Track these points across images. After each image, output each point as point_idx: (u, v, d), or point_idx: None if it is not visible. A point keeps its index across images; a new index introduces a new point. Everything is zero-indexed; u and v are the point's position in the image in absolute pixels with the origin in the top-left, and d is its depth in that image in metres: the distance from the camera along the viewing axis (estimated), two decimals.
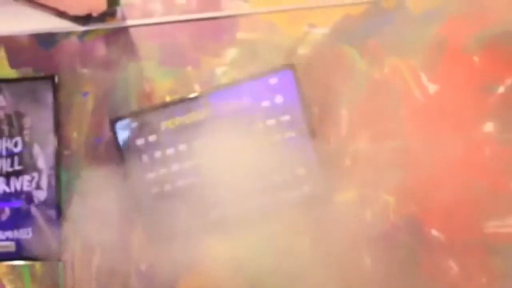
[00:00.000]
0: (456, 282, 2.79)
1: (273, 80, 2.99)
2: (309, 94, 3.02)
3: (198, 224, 3.06)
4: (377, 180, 2.90)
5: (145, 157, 3.10)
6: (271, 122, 2.98)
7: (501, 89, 2.80)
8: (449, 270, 2.79)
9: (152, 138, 3.10)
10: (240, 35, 3.14)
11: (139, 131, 3.13)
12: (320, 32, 3.01)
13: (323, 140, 2.97)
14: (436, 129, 2.84)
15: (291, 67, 2.98)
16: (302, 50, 3.04)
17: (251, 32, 3.13)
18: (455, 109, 2.84)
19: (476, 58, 2.82)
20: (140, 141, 3.12)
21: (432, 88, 2.85)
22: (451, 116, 2.84)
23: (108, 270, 3.25)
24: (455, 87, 2.84)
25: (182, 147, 3.05)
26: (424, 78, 2.87)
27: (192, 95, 3.12)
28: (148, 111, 3.16)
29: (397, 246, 2.88)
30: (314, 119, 2.99)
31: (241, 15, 3.14)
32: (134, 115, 3.17)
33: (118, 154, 3.19)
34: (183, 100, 3.12)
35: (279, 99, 2.98)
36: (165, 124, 3.10)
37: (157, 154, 3.08)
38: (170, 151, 3.06)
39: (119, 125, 3.18)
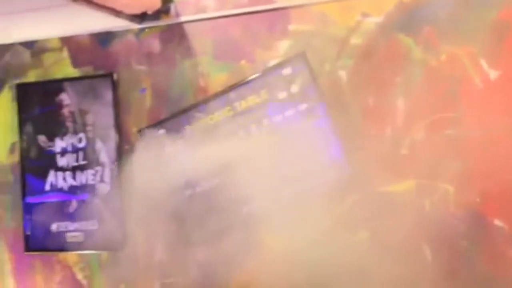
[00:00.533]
0: None
1: (287, 71, 2.99)
2: (363, 85, 2.98)
3: (235, 220, 3.09)
4: (435, 169, 2.82)
5: (174, 162, 3.13)
6: (290, 112, 2.97)
7: None
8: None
9: (179, 142, 3.15)
10: (292, 27, 3.11)
11: (166, 138, 3.18)
12: (373, 21, 2.95)
13: (379, 130, 2.92)
14: (497, 116, 2.73)
15: (302, 55, 2.96)
16: (356, 40, 2.98)
17: (303, 24, 3.10)
18: None
19: None
20: (168, 147, 3.18)
21: (493, 74, 2.73)
22: None
23: (168, 260, 3.29)
24: None
25: (208, 147, 3.06)
26: (484, 64, 2.75)
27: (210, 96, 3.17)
28: (172, 117, 3.20)
29: (458, 236, 2.80)
30: (368, 109, 2.96)
31: (293, 7, 3.11)
32: (160, 123, 3.22)
33: (148, 162, 3.24)
34: (204, 102, 3.15)
35: (294, 88, 2.97)
36: (190, 128, 3.14)
37: (186, 157, 3.10)
38: (197, 153, 3.08)
39: (147, 133, 3.24)
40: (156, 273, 3.33)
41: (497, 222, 2.72)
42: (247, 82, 3.07)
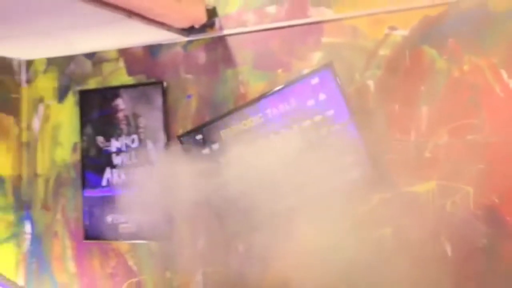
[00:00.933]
0: None
1: (315, 80, 3.09)
2: (390, 93, 3.02)
3: (271, 217, 3.15)
4: (457, 172, 2.85)
5: (211, 165, 3.24)
6: (318, 118, 3.08)
7: None
8: None
9: (215, 146, 3.27)
10: (325, 39, 3.16)
11: (203, 142, 3.30)
12: (400, 34, 2.99)
13: (404, 135, 2.97)
14: None
15: (329, 65, 3.06)
16: (383, 52, 3.03)
17: (335, 37, 3.15)
18: None
19: None
20: (205, 151, 3.30)
21: None
22: None
23: (210, 251, 3.38)
24: None
25: (242, 151, 3.14)
26: (504, 74, 2.78)
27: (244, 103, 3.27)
28: (208, 123, 3.31)
29: (477, 235, 2.82)
30: (394, 115, 3.00)
31: (326, 21, 3.16)
32: (197, 129, 3.34)
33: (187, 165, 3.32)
34: (238, 109, 3.26)
35: (322, 96, 3.07)
36: (225, 133, 3.25)
37: (221, 160, 3.22)
38: (231, 156, 3.17)
39: (185, 139, 3.36)
40: (198, 263, 3.42)
41: None
42: (278, 91, 3.17)
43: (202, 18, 3.36)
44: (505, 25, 2.78)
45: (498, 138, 2.78)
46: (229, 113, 3.27)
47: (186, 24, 3.37)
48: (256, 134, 3.21)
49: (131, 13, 2.96)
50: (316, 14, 3.17)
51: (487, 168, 2.80)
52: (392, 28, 3.01)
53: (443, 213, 2.89)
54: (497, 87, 2.80)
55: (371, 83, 3.06)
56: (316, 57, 3.17)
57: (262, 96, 3.20)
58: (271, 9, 3.29)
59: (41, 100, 3.99)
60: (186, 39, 3.48)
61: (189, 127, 3.47)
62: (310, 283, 3.01)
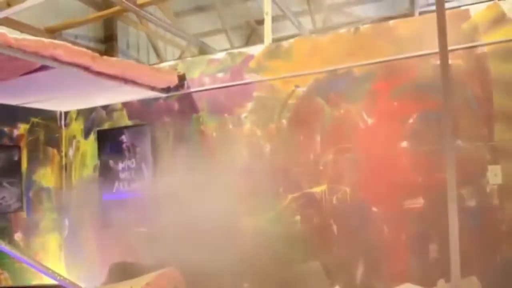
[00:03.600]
0: None
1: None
2: (296, 128, 3.16)
3: None
4: (339, 178, 3.02)
5: None
6: None
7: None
8: None
9: None
10: (255, 93, 3.36)
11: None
12: (301, 90, 3.20)
13: (306, 155, 3.12)
14: (376, 145, 2.93)
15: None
16: (291, 101, 3.23)
17: (261, 92, 3.35)
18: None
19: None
20: None
21: (369, 120, 2.98)
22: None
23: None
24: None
25: None
26: (364, 115, 3.00)
27: None
28: None
29: (353, 219, 2.96)
30: (299, 142, 3.11)
31: (255, 82, 3.36)
32: None
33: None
34: None
35: None
36: None
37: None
38: None
39: None
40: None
41: (374, 208, 2.91)
42: None
43: (175, 81, 3.56)
44: (364, 84, 3.01)
45: (363, 155, 2.98)
46: None
47: (164, 86, 3.54)
48: None
49: (126, 81, 3.21)
50: (249, 78, 3.37)
51: (357, 175, 2.99)
52: (297, 86, 3.21)
53: (331, 205, 3.06)
54: (361, 123, 3.01)
55: (284, 121, 3.24)
56: (250, 105, 3.36)
57: None
58: (220, 75, 3.49)
59: (74, 137, 4.17)
60: (165, 95, 3.64)
61: (169, 153, 3.58)
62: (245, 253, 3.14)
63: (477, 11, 2.78)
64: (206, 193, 3.25)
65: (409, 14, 5.79)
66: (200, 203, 3.29)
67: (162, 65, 3.86)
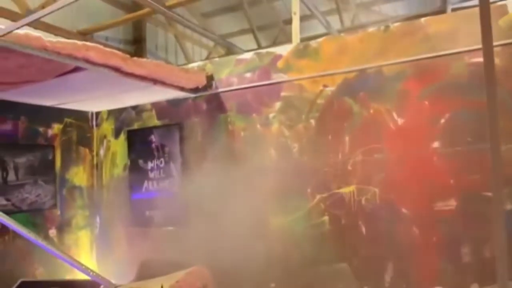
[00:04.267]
0: None
1: None
2: (325, 128, 3.15)
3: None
4: (368, 178, 2.98)
5: None
6: None
7: None
8: None
9: None
10: (283, 93, 3.35)
11: None
12: (330, 89, 3.18)
13: (335, 154, 3.10)
14: (406, 145, 2.89)
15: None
16: (320, 101, 3.21)
17: (289, 92, 3.34)
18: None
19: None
20: None
21: (400, 121, 2.92)
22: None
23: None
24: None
25: None
26: (395, 115, 2.93)
27: None
28: None
29: (382, 220, 2.91)
30: (327, 142, 3.10)
31: (283, 82, 3.35)
32: None
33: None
34: None
35: None
36: None
37: None
38: None
39: None
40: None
41: (404, 210, 2.86)
42: None
43: (203, 82, 3.59)
44: (394, 83, 2.97)
45: (393, 156, 2.94)
46: None
47: (193, 86, 3.57)
48: None
49: (156, 81, 3.25)
50: (276, 77, 3.37)
51: (386, 176, 2.95)
52: (325, 86, 3.18)
53: (360, 206, 3.02)
54: (391, 123, 2.96)
55: (313, 121, 3.22)
56: (278, 105, 3.35)
57: None
58: (248, 75, 3.49)
59: (105, 137, 4.24)
60: (194, 95, 3.68)
61: (198, 153, 3.61)
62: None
63: None
64: (234, 193, 3.27)
65: (441, 11, 5.66)
66: (228, 203, 3.32)
67: (190, 65, 3.89)
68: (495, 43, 2.56)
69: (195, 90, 3.62)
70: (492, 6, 2.70)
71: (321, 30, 6.10)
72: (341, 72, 3.13)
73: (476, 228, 2.65)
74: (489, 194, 2.60)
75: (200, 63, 3.88)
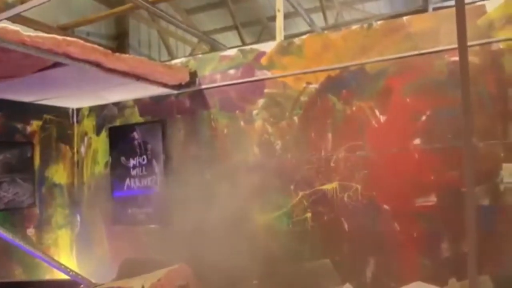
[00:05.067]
0: None
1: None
2: (308, 125, 3.16)
3: None
4: (350, 175, 3.01)
5: None
6: None
7: None
8: None
9: None
10: (266, 90, 3.36)
11: None
12: (313, 86, 3.20)
13: (317, 151, 3.12)
14: (388, 142, 2.93)
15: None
16: (303, 98, 3.22)
17: (272, 89, 3.34)
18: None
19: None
20: None
21: (382, 118, 2.97)
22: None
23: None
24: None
25: None
26: (377, 112, 2.99)
27: None
28: None
29: (364, 216, 2.95)
30: (310, 139, 3.11)
31: (267, 79, 3.35)
32: None
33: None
34: None
35: None
36: None
37: None
38: None
39: None
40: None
41: (386, 206, 2.90)
42: None
43: (186, 78, 3.56)
44: (376, 81, 3.00)
45: (375, 153, 2.98)
46: None
47: (176, 82, 3.55)
48: None
49: (138, 77, 3.23)
50: (260, 74, 3.37)
51: (369, 172, 2.99)
52: (308, 83, 3.20)
53: (342, 202, 3.05)
54: (373, 120, 3.00)
55: (296, 118, 3.24)
56: (261, 102, 3.36)
57: None
58: (232, 71, 3.49)
59: (86, 134, 4.20)
60: (177, 92, 3.65)
61: (180, 150, 3.59)
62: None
63: (493, 7, 2.73)
64: (217, 190, 3.27)
65: (423, 10, 5.75)
66: (211, 200, 3.32)
67: (174, 62, 3.87)
68: (473, 42, 2.68)
69: (178, 86, 3.60)
70: (470, 6, 2.81)
71: (305, 27, 6.13)
72: (324, 69, 3.16)
73: (455, 223, 2.71)
74: None
75: (183, 59, 3.86)
